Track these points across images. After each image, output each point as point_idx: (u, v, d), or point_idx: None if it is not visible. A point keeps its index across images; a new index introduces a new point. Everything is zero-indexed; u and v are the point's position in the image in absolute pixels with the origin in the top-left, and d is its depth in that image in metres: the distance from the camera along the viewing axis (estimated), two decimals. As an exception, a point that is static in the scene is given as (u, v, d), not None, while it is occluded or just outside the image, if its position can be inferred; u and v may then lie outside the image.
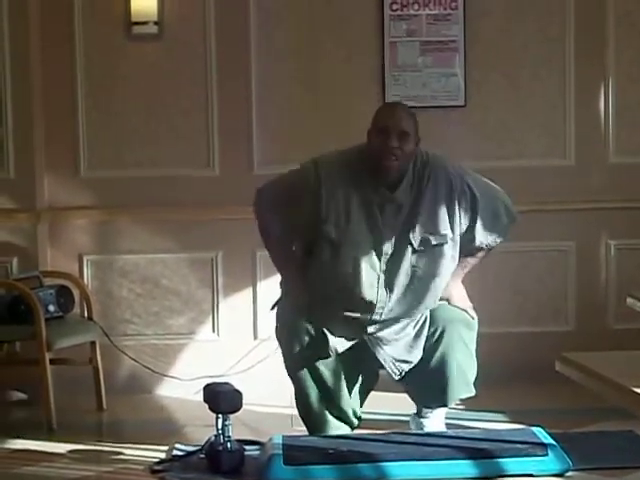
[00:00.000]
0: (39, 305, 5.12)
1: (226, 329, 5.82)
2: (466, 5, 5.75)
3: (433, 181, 4.24)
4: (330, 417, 4.38)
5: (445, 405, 4.44)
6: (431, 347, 4.30)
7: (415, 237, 4.20)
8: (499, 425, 4.86)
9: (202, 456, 4.28)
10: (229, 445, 4.15)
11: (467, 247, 4.34)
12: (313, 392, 4.34)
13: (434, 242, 4.22)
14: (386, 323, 4.26)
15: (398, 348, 4.27)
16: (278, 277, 4.51)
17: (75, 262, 5.76)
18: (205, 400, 4.24)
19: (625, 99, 5.87)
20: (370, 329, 4.26)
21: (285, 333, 4.33)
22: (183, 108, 5.77)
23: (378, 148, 4.17)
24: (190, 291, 5.82)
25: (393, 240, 4.20)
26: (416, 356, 4.28)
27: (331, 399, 4.35)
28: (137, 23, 5.68)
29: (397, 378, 4.32)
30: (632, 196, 5.81)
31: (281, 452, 4.09)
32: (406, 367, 4.29)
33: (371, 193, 4.20)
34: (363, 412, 4.50)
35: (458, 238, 4.27)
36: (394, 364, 4.28)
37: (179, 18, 5.74)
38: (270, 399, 5.34)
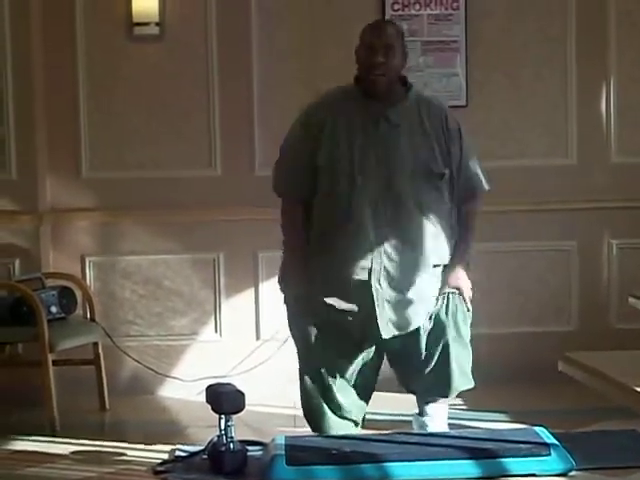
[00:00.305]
0: (41, 306, 5.12)
1: (228, 330, 5.82)
2: (467, 5, 5.76)
3: (432, 115, 4.28)
4: (329, 413, 4.36)
5: (446, 396, 4.43)
6: (430, 342, 4.29)
7: (412, 162, 4.21)
8: (502, 425, 4.86)
9: (205, 457, 4.28)
10: (232, 446, 4.15)
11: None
12: (313, 389, 4.34)
13: (432, 171, 4.22)
14: (393, 271, 4.21)
15: (400, 312, 4.24)
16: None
17: (77, 263, 5.76)
18: (208, 401, 4.24)
19: (627, 99, 5.87)
20: (376, 264, 4.19)
21: (293, 333, 4.39)
22: (185, 109, 5.77)
23: (365, 64, 4.23)
24: (192, 292, 5.82)
25: (393, 158, 4.21)
26: (413, 324, 4.26)
27: (329, 394, 4.34)
28: (138, 24, 5.68)
29: (384, 337, 4.25)
30: (634, 195, 5.81)
31: (284, 453, 4.09)
32: (396, 332, 4.26)
33: (364, 113, 4.23)
34: (366, 412, 4.50)
35: (454, 175, 4.27)
36: (387, 325, 4.25)
37: (180, 19, 5.74)
38: (272, 399, 5.34)
